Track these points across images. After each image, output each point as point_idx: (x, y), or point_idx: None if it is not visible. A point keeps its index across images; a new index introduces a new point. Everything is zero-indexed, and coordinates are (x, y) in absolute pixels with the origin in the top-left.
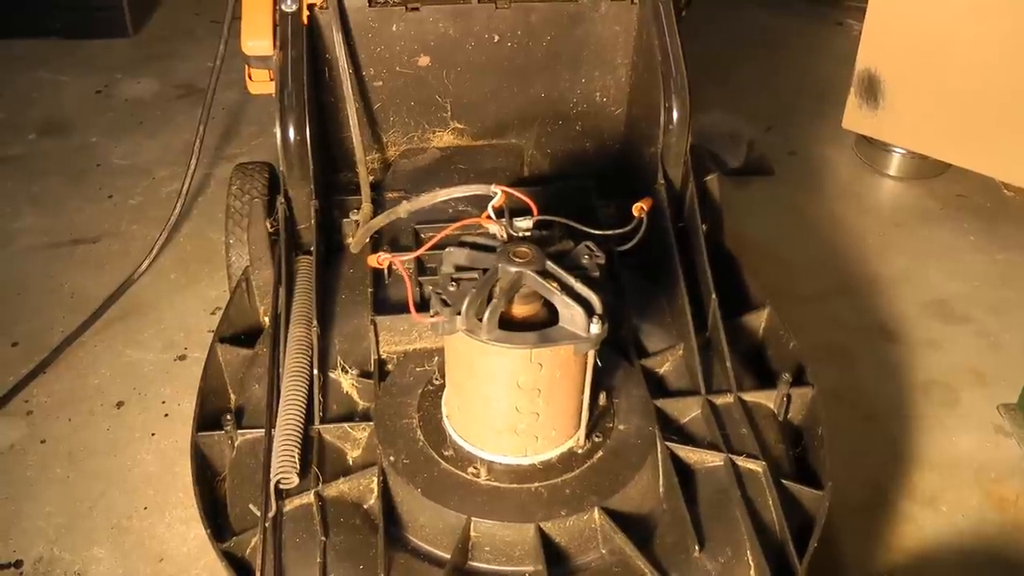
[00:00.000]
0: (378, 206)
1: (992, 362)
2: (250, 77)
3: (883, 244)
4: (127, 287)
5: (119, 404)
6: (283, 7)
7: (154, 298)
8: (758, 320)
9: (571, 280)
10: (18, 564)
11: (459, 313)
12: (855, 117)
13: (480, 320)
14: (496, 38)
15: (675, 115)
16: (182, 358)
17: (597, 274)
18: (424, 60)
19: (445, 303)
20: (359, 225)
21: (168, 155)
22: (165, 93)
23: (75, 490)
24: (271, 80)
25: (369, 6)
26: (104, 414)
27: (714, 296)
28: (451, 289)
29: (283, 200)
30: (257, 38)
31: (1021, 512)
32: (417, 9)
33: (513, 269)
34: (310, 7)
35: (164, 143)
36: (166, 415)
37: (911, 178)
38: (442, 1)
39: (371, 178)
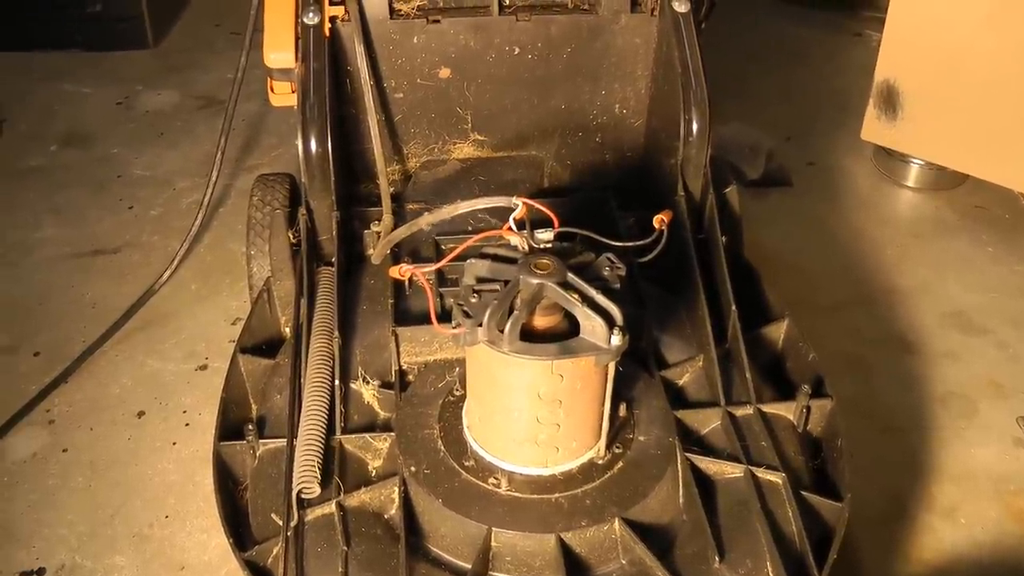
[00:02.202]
0: (399, 217)
1: (1011, 374)
2: (272, 89)
3: (901, 255)
4: (148, 298)
5: (140, 414)
6: (305, 20)
7: (175, 309)
8: (777, 332)
9: (592, 292)
10: (40, 572)
11: (480, 325)
12: (873, 128)
13: (501, 332)
14: (516, 50)
15: (695, 127)
16: (203, 368)
17: (618, 286)
18: (445, 72)
19: (467, 315)
20: (380, 236)
21: (189, 166)
22: (185, 105)
23: (97, 499)
24: (293, 92)
25: (391, 18)
26: (125, 423)
27: (734, 308)
28: (472, 301)
29: (304, 212)
30: (280, 51)
31: None
32: (438, 21)
33: (534, 281)
34: (332, 19)
35: (184, 154)
36: (187, 424)
37: (929, 189)
38: (463, 14)
39: (391, 189)
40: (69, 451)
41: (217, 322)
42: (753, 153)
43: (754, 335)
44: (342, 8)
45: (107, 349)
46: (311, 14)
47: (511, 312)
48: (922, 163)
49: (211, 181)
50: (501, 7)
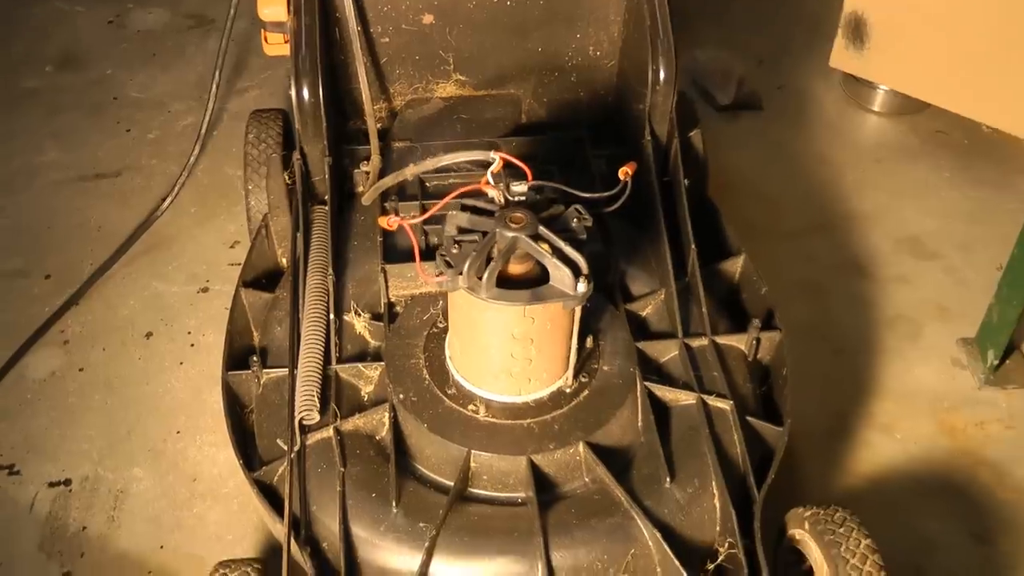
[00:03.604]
0: (385, 156)
1: (956, 297)
2: (266, 40)
3: (862, 180)
4: (151, 223)
5: (148, 334)
6: None
7: (175, 232)
8: (734, 266)
9: (561, 243)
10: (67, 482)
11: (461, 273)
12: (842, 57)
13: (480, 279)
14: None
15: (662, 75)
16: (204, 291)
17: (584, 236)
18: (428, 18)
19: (449, 264)
20: (368, 176)
21: (182, 88)
22: (176, 23)
23: (113, 415)
24: (285, 43)
25: None
26: (135, 344)
27: (693, 246)
28: (454, 252)
29: (299, 156)
30: (272, 4)
31: (969, 439)
32: None
33: (509, 234)
34: None
35: (177, 76)
36: (192, 345)
37: (895, 114)
38: None
39: (379, 126)
40: (85, 370)
41: (216, 245)
42: (725, 79)
43: (713, 269)
44: None
45: (114, 272)
46: None
47: (488, 262)
48: (888, 88)
49: (208, 110)
50: None
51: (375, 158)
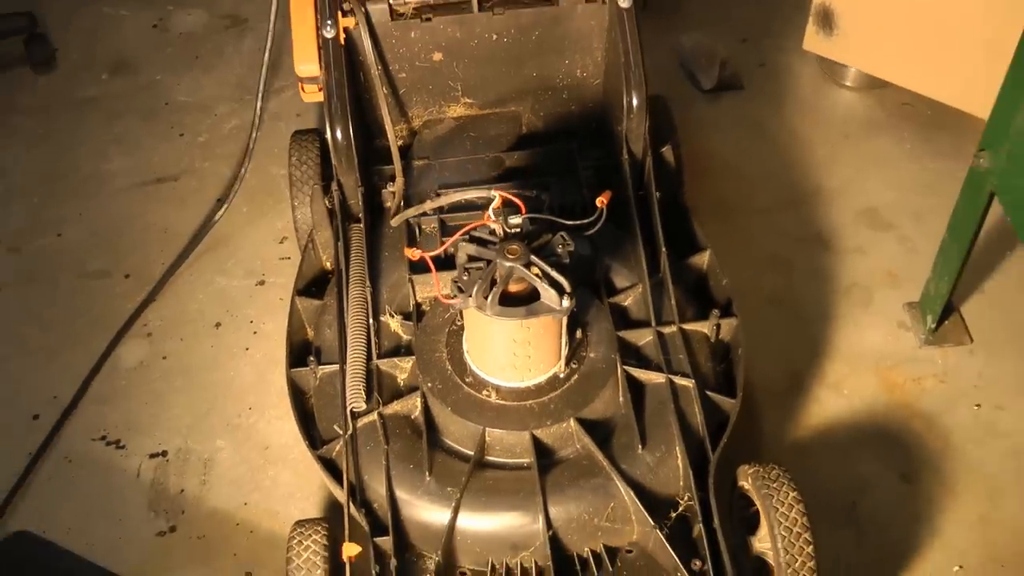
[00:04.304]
0: (408, 170)
1: (906, 264)
2: (303, 89)
3: (831, 156)
4: (211, 225)
5: (217, 324)
6: (324, 33)
7: (231, 231)
8: (702, 260)
9: (548, 269)
10: (164, 453)
11: (471, 296)
12: (813, 41)
13: (486, 299)
14: (494, 36)
15: (634, 104)
16: (261, 283)
17: (568, 261)
18: (437, 56)
19: (461, 289)
20: (393, 194)
21: (224, 90)
22: (213, 24)
23: (194, 396)
24: (319, 91)
25: (392, 20)
26: (206, 334)
27: (663, 249)
28: (464, 279)
29: (336, 187)
30: (307, 63)
31: (906, 394)
32: (430, 19)
33: (507, 264)
34: (345, 29)
35: (219, 78)
36: (255, 333)
37: (865, 88)
38: (449, 12)
39: (400, 143)
40: (167, 358)
41: (267, 241)
42: (709, 62)
43: (683, 264)
44: (352, 19)
45: (182, 270)
46: (328, 28)
47: (492, 285)
48: None
49: (256, 120)
50: (480, 5)
51: (399, 180)
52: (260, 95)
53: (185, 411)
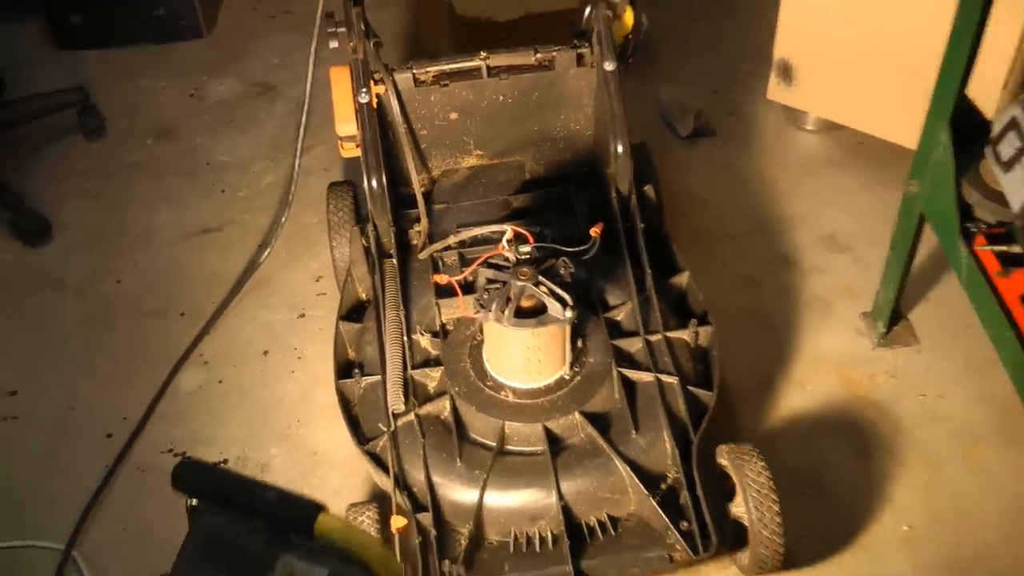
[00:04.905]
0: (431, 214)
1: (862, 281)
2: (342, 147)
3: (793, 189)
4: (255, 268)
5: (265, 352)
6: (360, 99)
7: (272, 272)
8: (681, 280)
9: (553, 287)
10: (225, 461)
11: (490, 311)
12: (776, 91)
13: (503, 313)
14: (501, 98)
15: (619, 150)
16: (302, 316)
17: (569, 280)
18: (453, 115)
19: (483, 306)
20: (420, 233)
21: (259, 150)
22: (246, 92)
23: (248, 413)
24: (356, 147)
25: (415, 87)
26: (256, 360)
27: (648, 271)
28: (485, 297)
29: (372, 228)
30: (346, 123)
31: (862, 388)
32: (447, 85)
33: (519, 284)
34: (377, 95)
35: (254, 139)
36: (299, 358)
37: (824, 131)
38: (463, 78)
39: (423, 189)
40: (223, 382)
41: (305, 280)
42: (684, 113)
43: (665, 284)
44: (383, 87)
45: (231, 308)
46: (363, 95)
47: (508, 302)
48: None
49: (295, 175)
50: (489, 72)
51: (424, 221)
52: (299, 152)
53: (241, 425)
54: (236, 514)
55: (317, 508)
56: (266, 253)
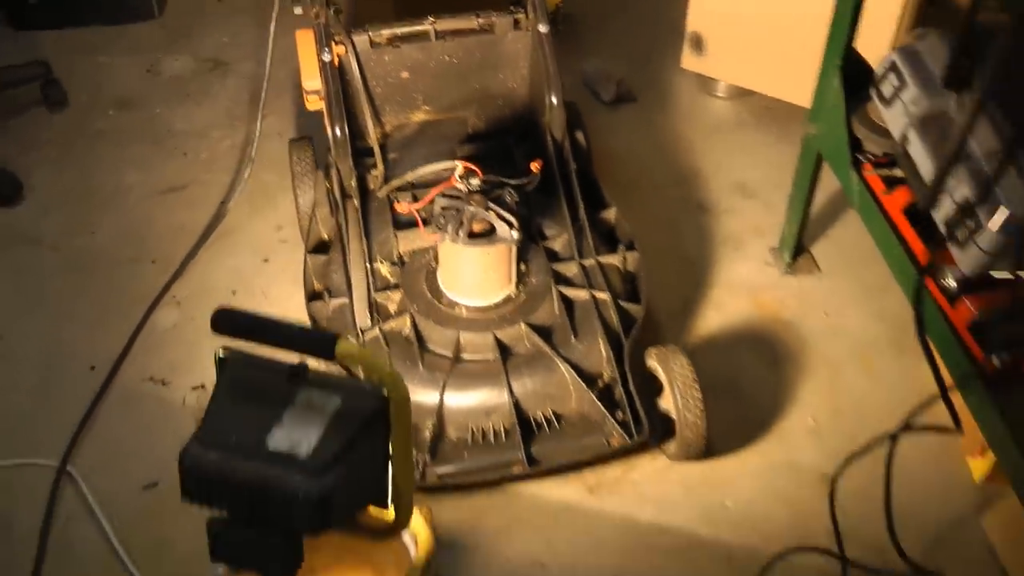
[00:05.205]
0: (385, 163)
1: (769, 221)
2: (307, 99)
3: (707, 147)
4: (219, 220)
5: (233, 292)
6: (323, 58)
7: (236, 224)
8: (610, 214)
9: (501, 211)
10: (203, 386)
11: (447, 232)
12: (689, 61)
13: (458, 235)
14: (447, 58)
15: (554, 101)
16: (266, 261)
17: (515, 207)
18: (405, 74)
19: (440, 228)
20: (376, 178)
21: (216, 119)
22: (199, 68)
23: (221, 343)
24: (319, 101)
25: (371, 48)
26: (225, 299)
27: (581, 204)
28: (442, 221)
29: (335, 169)
30: (311, 79)
31: (772, 309)
32: (399, 47)
33: (471, 209)
34: (338, 55)
35: (210, 109)
36: (265, 296)
37: (734, 97)
38: (414, 41)
39: (379, 142)
40: (195, 319)
41: (267, 230)
42: (607, 81)
43: (597, 216)
44: (343, 48)
45: (200, 255)
46: (326, 54)
47: (461, 225)
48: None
49: (256, 136)
50: (436, 35)
51: (380, 167)
52: (261, 108)
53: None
54: (258, 360)
55: (336, 335)
56: (228, 206)
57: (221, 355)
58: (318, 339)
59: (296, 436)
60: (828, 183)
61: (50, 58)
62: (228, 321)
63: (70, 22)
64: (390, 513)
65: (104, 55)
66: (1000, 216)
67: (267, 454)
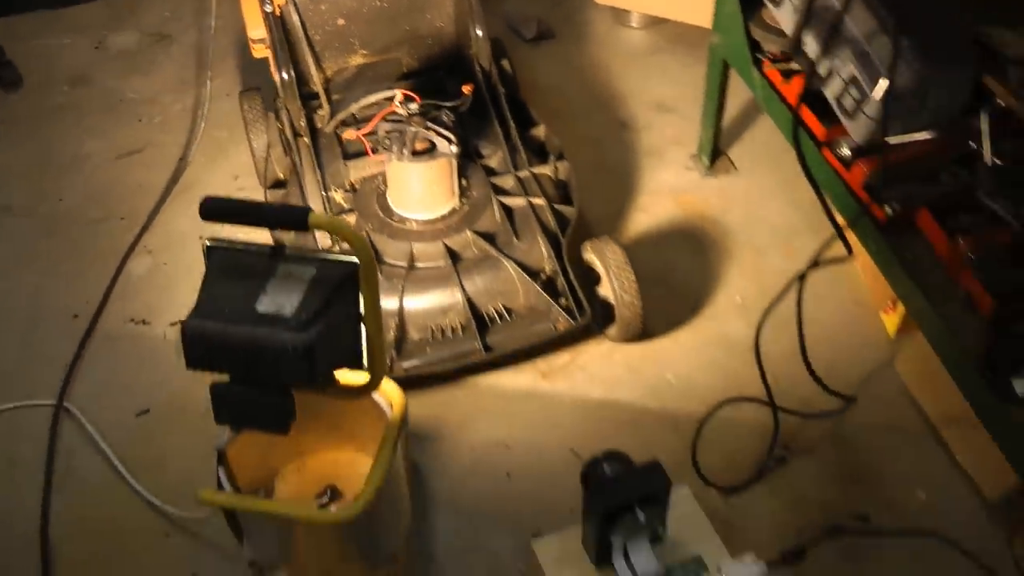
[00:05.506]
0: (331, 103)
1: (687, 133)
2: (253, 48)
3: (624, 72)
4: (179, 175)
5: (200, 237)
6: (265, 8)
7: (195, 178)
8: (539, 132)
9: (440, 129)
10: (181, 321)
11: (393, 152)
12: None
13: (403, 153)
14: (379, 4)
15: (479, 34)
16: None
17: (452, 124)
18: (341, 21)
19: (386, 148)
20: (323, 117)
21: (166, 85)
22: (144, 41)
23: (194, 283)
24: (265, 48)
25: None
26: (192, 244)
27: (512, 123)
28: (387, 142)
29: (285, 112)
30: (256, 29)
31: (695, 208)
32: None
33: (413, 129)
34: (279, 6)
35: (158, 77)
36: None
37: (648, 26)
38: None
39: (322, 85)
40: (167, 264)
41: (225, 180)
42: (527, 20)
43: (527, 134)
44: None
45: (164, 209)
46: (267, 5)
47: (404, 144)
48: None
49: (206, 98)
50: None
51: (325, 106)
52: (209, 78)
53: (188, 293)
54: (240, 244)
55: (308, 208)
56: (186, 161)
57: (208, 244)
58: (293, 212)
59: (280, 300)
60: (738, 93)
61: (1, 43)
62: (215, 208)
63: (13, 10)
64: (366, 376)
65: (52, 37)
66: (881, 86)
67: (257, 317)
